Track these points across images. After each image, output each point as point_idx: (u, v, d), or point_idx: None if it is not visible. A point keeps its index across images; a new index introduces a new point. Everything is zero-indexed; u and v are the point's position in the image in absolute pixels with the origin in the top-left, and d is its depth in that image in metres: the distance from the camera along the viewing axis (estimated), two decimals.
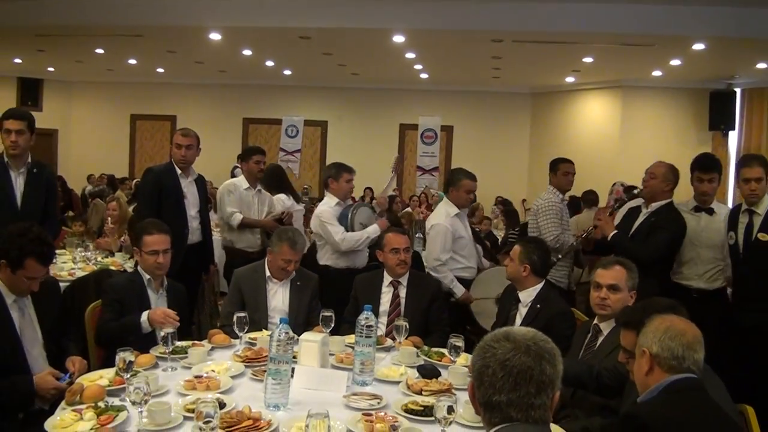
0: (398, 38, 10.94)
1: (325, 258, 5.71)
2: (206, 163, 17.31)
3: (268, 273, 4.62)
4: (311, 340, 3.44)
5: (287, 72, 15.91)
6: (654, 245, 4.95)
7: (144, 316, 3.80)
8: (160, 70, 16.31)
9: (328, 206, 5.72)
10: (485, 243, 7.34)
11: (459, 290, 5.51)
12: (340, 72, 15.32)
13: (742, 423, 2.81)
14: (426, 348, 3.94)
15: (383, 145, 16.80)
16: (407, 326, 3.93)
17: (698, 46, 10.48)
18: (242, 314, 3.82)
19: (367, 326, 3.37)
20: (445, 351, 3.81)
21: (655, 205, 5.20)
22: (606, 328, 3.70)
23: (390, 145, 17.06)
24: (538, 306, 4.26)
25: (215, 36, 11.28)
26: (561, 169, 6.26)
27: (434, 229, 5.64)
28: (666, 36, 9.99)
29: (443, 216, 5.67)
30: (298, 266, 4.64)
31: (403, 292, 4.73)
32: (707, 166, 5.10)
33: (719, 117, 14.11)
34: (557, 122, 16.27)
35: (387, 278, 4.78)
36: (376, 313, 4.45)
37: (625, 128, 14.67)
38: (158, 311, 3.83)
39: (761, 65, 12.12)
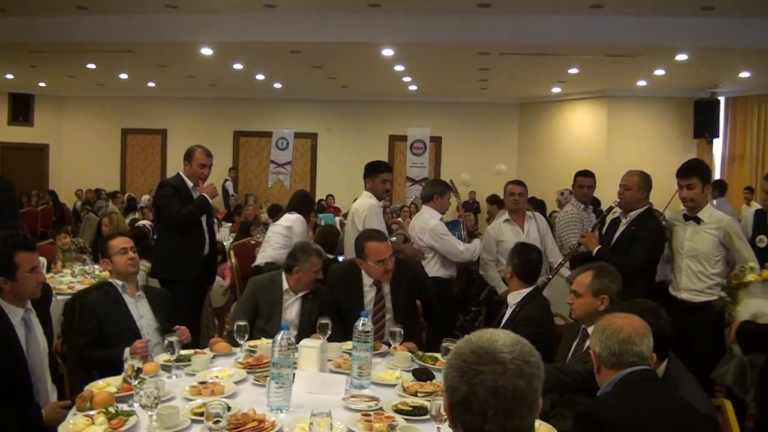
0: (387, 51, 11.11)
1: (435, 270, 5.90)
2: None
3: (285, 286, 4.68)
4: (311, 346, 3.57)
5: (277, 85, 16.07)
6: (636, 255, 5.01)
7: (126, 352, 3.80)
8: (151, 84, 16.46)
9: (436, 220, 5.95)
10: None
11: (500, 288, 5.84)
12: (329, 85, 15.50)
13: (718, 417, 2.94)
14: (420, 353, 4.07)
15: (373, 156, 16.57)
16: (402, 332, 4.06)
17: (681, 57, 10.71)
18: (242, 323, 3.93)
19: (364, 332, 3.50)
20: (438, 355, 3.95)
21: (633, 214, 5.29)
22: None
23: (380, 156, 17.14)
24: (518, 310, 4.36)
25: (206, 51, 11.43)
26: (576, 182, 6.72)
27: (484, 232, 6.39)
28: (650, 47, 10.22)
29: (494, 223, 6.44)
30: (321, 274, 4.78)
31: (387, 289, 4.68)
32: (683, 172, 4.99)
33: (704, 125, 14.39)
34: (544, 132, 16.49)
35: (369, 278, 4.69)
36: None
37: (611, 137, 14.90)
38: (134, 346, 3.83)
39: (744, 74, 12.37)
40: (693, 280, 4.92)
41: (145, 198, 16.10)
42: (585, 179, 6.64)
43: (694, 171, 4.95)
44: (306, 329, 4.49)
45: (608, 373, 2.66)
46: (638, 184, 5.29)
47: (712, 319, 4.84)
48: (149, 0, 9.66)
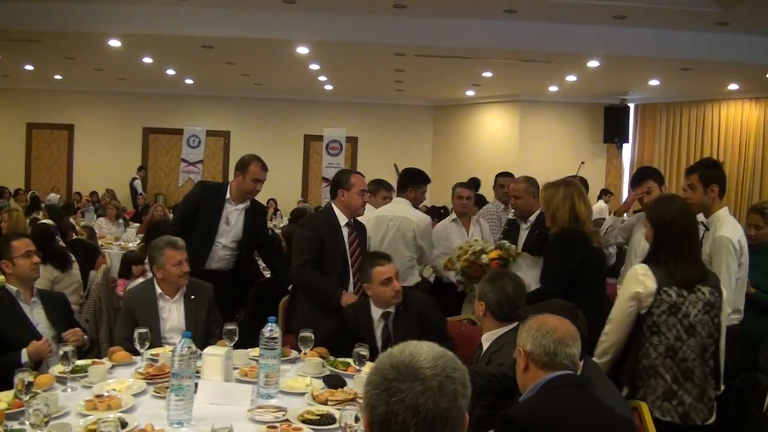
0: (302, 49, 10.98)
1: None
2: (105, 174, 16.90)
3: (159, 290, 4.36)
4: (215, 354, 3.41)
5: (189, 81, 15.71)
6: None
7: (24, 355, 3.64)
8: (58, 76, 15.82)
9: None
10: None
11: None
12: (243, 82, 15.25)
13: (634, 418, 2.95)
14: (332, 358, 3.95)
15: (288, 156, 16.80)
16: (313, 337, 3.93)
17: (593, 64, 10.96)
18: (143, 330, 3.74)
19: (271, 338, 3.36)
20: (350, 360, 3.83)
21: (532, 218, 5.40)
22: (485, 342, 3.73)
23: (295, 155, 17.07)
24: (401, 308, 4.23)
25: (115, 43, 11.05)
26: (497, 183, 7.06)
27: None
28: (562, 53, 10.41)
29: (443, 222, 6.53)
30: (188, 266, 4.45)
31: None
32: (686, 172, 4.60)
33: (613, 130, 14.82)
34: (458, 134, 16.63)
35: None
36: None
37: (523, 140, 15.15)
38: (34, 346, 3.68)
39: (653, 82, 12.76)
40: None
41: (54, 197, 15.46)
42: (505, 179, 6.86)
43: (696, 168, 4.46)
44: (195, 331, 4.08)
45: (537, 374, 2.62)
46: (527, 190, 5.43)
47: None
48: None
